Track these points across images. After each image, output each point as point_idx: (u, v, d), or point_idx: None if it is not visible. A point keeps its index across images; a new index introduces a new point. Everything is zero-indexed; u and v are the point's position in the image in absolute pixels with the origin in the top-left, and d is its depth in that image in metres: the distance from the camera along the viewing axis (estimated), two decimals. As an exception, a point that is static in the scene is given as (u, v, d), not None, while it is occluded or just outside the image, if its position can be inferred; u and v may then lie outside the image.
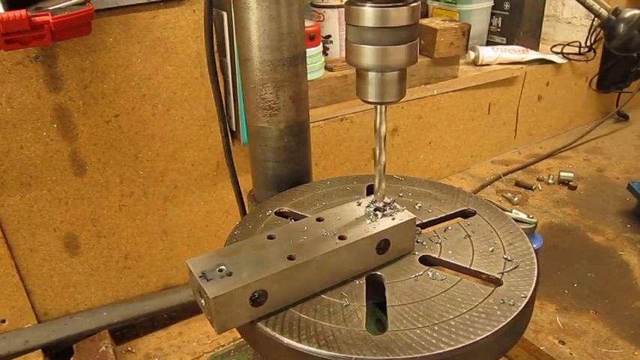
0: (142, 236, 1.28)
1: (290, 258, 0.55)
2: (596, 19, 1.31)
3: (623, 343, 1.07)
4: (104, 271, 1.26)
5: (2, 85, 1.01)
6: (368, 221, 0.62)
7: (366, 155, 1.56)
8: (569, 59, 1.98)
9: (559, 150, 1.98)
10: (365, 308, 0.55)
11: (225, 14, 1.15)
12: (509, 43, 1.95)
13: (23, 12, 0.80)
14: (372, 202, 0.64)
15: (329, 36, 1.54)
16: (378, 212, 0.63)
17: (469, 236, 0.67)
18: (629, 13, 1.01)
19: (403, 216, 0.62)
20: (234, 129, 1.29)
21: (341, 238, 0.58)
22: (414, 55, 0.58)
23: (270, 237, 0.59)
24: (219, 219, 1.37)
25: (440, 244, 0.66)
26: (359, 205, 0.65)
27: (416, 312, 0.54)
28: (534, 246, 0.65)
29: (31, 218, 1.13)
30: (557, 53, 1.97)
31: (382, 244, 0.60)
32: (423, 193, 0.78)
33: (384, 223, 0.61)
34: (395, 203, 0.64)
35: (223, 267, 0.53)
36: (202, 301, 0.52)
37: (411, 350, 0.49)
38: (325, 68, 1.50)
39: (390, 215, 0.62)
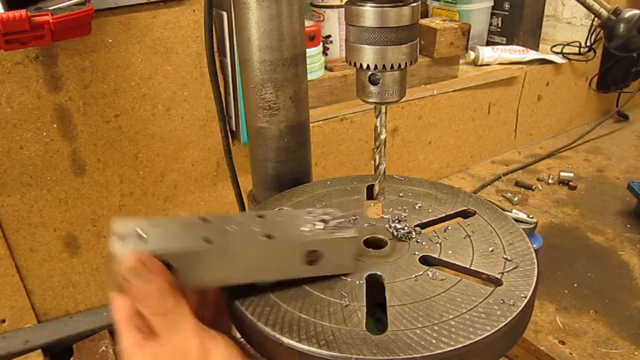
0: (142, 236, 1.28)
1: (207, 241, 0.53)
2: (596, 19, 1.31)
3: (623, 343, 1.07)
4: (104, 271, 1.26)
5: (2, 85, 1.01)
6: (305, 228, 0.59)
7: (366, 155, 1.56)
8: (569, 59, 1.98)
9: (559, 150, 1.98)
10: (365, 308, 0.55)
11: (225, 14, 1.15)
12: (509, 43, 1.95)
13: (23, 12, 0.80)
14: (324, 213, 0.62)
15: (329, 36, 1.54)
16: (321, 223, 0.60)
17: (469, 236, 0.67)
18: (629, 13, 1.01)
19: (345, 232, 0.58)
20: (234, 129, 1.29)
21: (268, 236, 0.56)
22: (414, 55, 0.58)
23: (203, 219, 0.57)
24: (219, 219, 1.37)
25: (440, 244, 0.66)
26: (309, 213, 0.62)
27: (416, 312, 0.54)
28: (534, 246, 0.65)
29: (31, 218, 1.13)
30: (557, 53, 1.97)
31: (312, 255, 0.57)
32: (423, 193, 0.78)
33: (317, 234, 0.58)
34: (346, 220, 0.61)
35: (143, 234, 0.52)
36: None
37: (411, 350, 0.49)
38: (325, 68, 1.50)
39: (332, 229, 0.59)
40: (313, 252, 0.57)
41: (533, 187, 1.72)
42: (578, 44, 1.98)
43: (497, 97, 1.83)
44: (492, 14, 1.98)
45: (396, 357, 0.48)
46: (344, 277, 0.60)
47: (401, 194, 0.78)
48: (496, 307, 0.54)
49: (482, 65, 1.83)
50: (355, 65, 0.58)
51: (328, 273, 0.59)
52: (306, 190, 0.80)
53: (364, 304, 0.56)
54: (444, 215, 0.73)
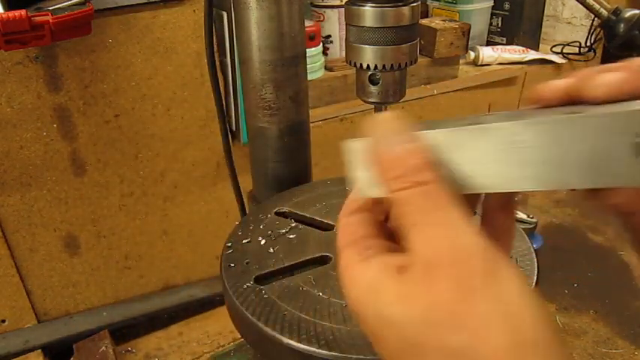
0: (141, 236, 1.28)
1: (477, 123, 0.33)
2: (596, 19, 1.31)
3: (623, 343, 1.07)
4: (104, 271, 1.26)
5: (2, 85, 1.01)
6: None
7: (366, 155, 1.56)
8: (569, 59, 1.98)
9: (559, 150, 1.97)
10: (365, 308, 0.55)
11: (225, 14, 1.15)
12: (509, 43, 1.95)
13: (23, 12, 0.80)
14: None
15: (329, 36, 1.54)
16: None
17: (469, 236, 0.67)
18: (629, 13, 1.01)
19: None
20: (234, 129, 1.29)
21: (572, 113, 0.31)
22: (414, 55, 0.58)
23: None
24: (219, 219, 1.37)
25: (440, 244, 0.66)
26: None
27: (416, 312, 0.54)
28: (534, 246, 0.65)
29: (31, 218, 1.13)
30: (557, 53, 1.97)
31: None
32: (423, 193, 0.78)
33: None
34: None
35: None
36: None
37: (411, 350, 0.49)
38: (325, 68, 1.50)
39: None
40: None
41: (533, 187, 1.72)
42: (578, 44, 1.97)
43: (497, 97, 1.83)
44: (492, 14, 1.97)
45: (396, 357, 0.48)
46: None
47: (401, 194, 0.78)
48: (496, 307, 0.54)
49: (482, 65, 1.83)
50: (355, 65, 0.58)
51: None
52: (306, 190, 0.80)
53: (364, 304, 0.56)
54: (444, 215, 0.73)
